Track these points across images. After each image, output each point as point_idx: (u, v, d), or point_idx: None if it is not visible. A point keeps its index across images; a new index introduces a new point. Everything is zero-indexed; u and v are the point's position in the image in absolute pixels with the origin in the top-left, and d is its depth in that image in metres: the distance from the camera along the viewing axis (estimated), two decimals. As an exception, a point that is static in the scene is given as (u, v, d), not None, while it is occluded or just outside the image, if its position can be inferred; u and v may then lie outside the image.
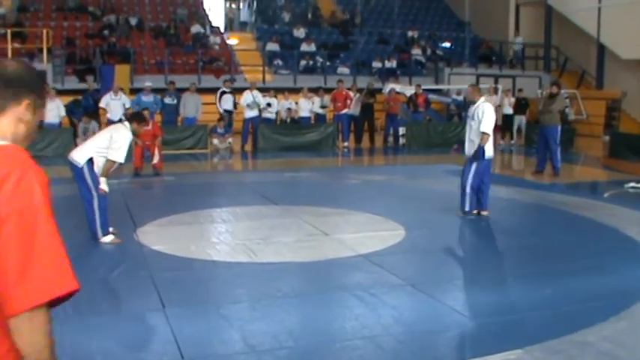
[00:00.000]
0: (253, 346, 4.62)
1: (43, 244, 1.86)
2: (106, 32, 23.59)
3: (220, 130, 18.24)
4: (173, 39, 24.15)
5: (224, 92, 19.05)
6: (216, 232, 8.67)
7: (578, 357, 4.45)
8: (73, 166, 7.52)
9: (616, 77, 24.86)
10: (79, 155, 7.54)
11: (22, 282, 1.80)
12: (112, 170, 7.72)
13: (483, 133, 8.97)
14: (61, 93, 18.41)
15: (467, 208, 9.16)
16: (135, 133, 7.99)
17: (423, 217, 9.29)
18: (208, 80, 22.03)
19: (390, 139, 20.14)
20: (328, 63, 24.69)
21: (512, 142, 20.84)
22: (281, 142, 18.14)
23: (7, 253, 1.80)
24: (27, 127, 2.08)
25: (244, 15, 30.65)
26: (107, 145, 7.56)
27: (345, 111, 19.46)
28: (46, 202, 1.90)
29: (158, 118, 17.90)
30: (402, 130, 19.78)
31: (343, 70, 24.48)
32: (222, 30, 27.61)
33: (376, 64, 24.92)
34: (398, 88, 21.76)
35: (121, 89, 18.16)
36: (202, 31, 25.09)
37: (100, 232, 7.62)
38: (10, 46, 20.56)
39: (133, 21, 24.89)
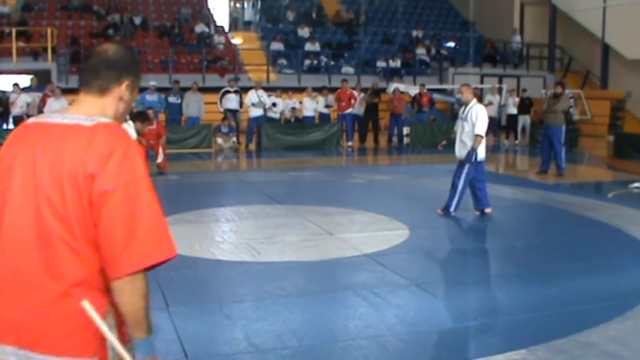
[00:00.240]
0: (257, 345, 4.61)
1: (146, 214, 2.05)
2: (110, 31, 23.61)
3: (224, 130, 18.26)
4: (177, 38, 24.17)
5: (227, 92, 19.07)
6: (220, 231, 8.67)
7: (583, 357, 4.44)
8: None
9: (620, 77, 24.83)
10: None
11: (127, 248, 2.01)
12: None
13: (477, 135, 8.95)
14: (65, 92, 18.43)
15: (452, 209, 9.15)
16: (139, 132, 8.00)
17: (427, 216, 9.28)
18: (212, 79, 22.05)
19: (394, 138, 20.14)
20: (332, 62, 24.69)
21: (517, 142, 20.80)
22: (285, 141, 18.14)
23: (114, 222, 2.01)
24: (126, 105, 2.29)
25: (248, 14, 30.66)
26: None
27: (349, 110, 19.45)
28: (146, 173, 2.10)
29: (162, 117, 17.92)
30: (406, 130, 19.78)
31: (347, 69, 24.48)
32: (226, 29, 27.62)
33: (380, 64, 24.91)
34: (402, 87, 21.76)
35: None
36: (207, 30, 25.10)
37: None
38: (14, 45, 20.59)
39: (138, 20, 24.91)
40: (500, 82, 24.37)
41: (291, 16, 28.00)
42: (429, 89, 21.53)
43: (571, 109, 19.49)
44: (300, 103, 19.71)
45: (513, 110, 21.03)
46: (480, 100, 21.59)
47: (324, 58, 24.73)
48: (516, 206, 10.62)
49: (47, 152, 2.11)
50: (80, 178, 2.04)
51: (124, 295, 2.04)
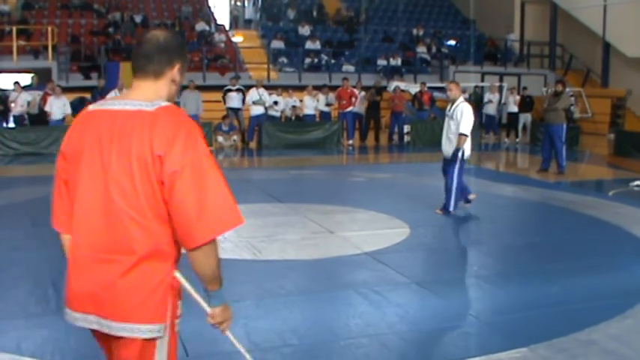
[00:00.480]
0: (257, 343, 4.61)
1: (212, 189, 2.26)
2: (110, 29, 23.61)
3: (225, 128, 18.25)
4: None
5: (229, 90, 19.07)
6: (220, 229, 8.65)
7: (583, 355, 4.44)
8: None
9: (621, 75, 24.81)
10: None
11: (199, 221, 2.23)
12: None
13: (461, 134, 8.94)
14: (66, 90, 18.44)
15: (451, 208, 9.15)
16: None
17: (427, 215, 9.28)
18: (213, 78, 22.04)
19: (395, 136, 20.13)
20: (333, 61, 24.67)
21: (518, 140, 20.80)
22: (286, 139, 18.13)
23: (186, 199, 2.22)
24: (177, 87, 2.51)
25: (249, 12, 30.64)
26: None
27: (349, 109, 19.44)
28: (208, 151, 2.31)
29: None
30: (406, 128, 19.77)
31: (348, 67, 24.47)
32: (227, 27, 27.58)
33: (381, 62, 24.90)
34: (403, 85, 21.76)
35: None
36: (207, 28, 25.08)
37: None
38: (15, 44, 20.59)
39: (138, 18, 24.89)
40: (501, 80, 24.36)
41: (291, 14, 27.99)
42: (429, 87, 21.52)
43: (572, 107, 19.49)
44: (301, 101, 19.70)
45: (514, 108, 21.01)
46: (481, 99, 21.72)
47: (324, 57, 24.71)
48: (517, 204, 10.61)
49: (113, 138, 2.30)
50: (149, 160, 2.24)
51: (202, 260, 2.31)
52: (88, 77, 20.86)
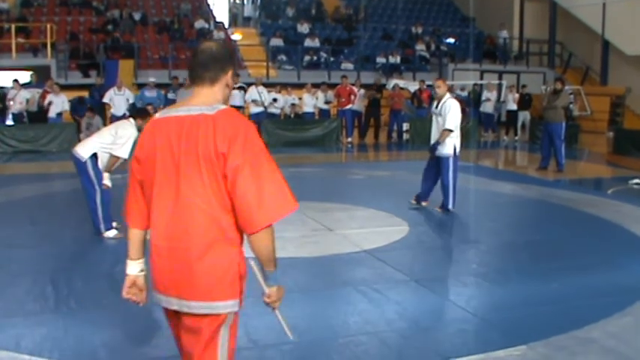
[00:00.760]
0: (256, 340, 4.61)
1: (269, 180, 2.58)
2: (109, 27, 23.58)
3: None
4: (177, 34, 24.13)
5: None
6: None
7: (582, 353, 4.44)
8: (77, 161, 7.52)
9: (620, 73, 24.82)
10: (82, 150, 7.54)
11: (259, 209, 2.55)
12: (116, 166, 7.71)
13: (445, 129, 8.97)
14: (64, 88, 18.41)
15: (450, 206, 9.16)
16: (140, 129, 7.97)
17: (426, 212, 9.28)
18: (212, 75, 22.00)
19: (394, 134, 20.13)
20: (332, 58, 24.66)
21: (516, 138, 20.80)
22: (285, 137, 18.11)
23: (247, 190, 2.54)
24: (229, 89, 2.82)
25: (248, 10, 30.61)
26: (112, 141, 7.54)
27: (348, 106, 19.43)
28: (264, 146, 2.64)
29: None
30: (405, 126, 19.76)
31: (347, 65, 24.46)
32: (226, 25, 27.57)
33: (380, 60, 24.88)
34: (402, 83, 21.75)
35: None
36: (206, 26, 25.07)
37: (102, 226, 7.62)
38: (13, 41, 20.56)
39: (137, 16, 24.87)
40: (500, 78, 24.35)
41: (290, 12, 27.97)
42: (428, 85, 21.50)
43: (571, 105, 19.49)
44: (300, 99, 19.68)
45: (513, 106, 21.01)
46: (479, 97, 21.71)
47: (323, 54, 24.70)
48: (516, 202, 10.61)
49: (181, 140, 2.63)
50: (213, 158, 2.56)
51: (261, 244, 2.62)
52: (86, 75, 20.83)
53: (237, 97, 18.94)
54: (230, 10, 31.35)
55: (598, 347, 4.53)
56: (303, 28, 26.12)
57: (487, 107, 21.40)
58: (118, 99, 17.24)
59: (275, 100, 18.70)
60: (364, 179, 12.67)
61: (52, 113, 17.09)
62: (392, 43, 26.75)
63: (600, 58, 25.69)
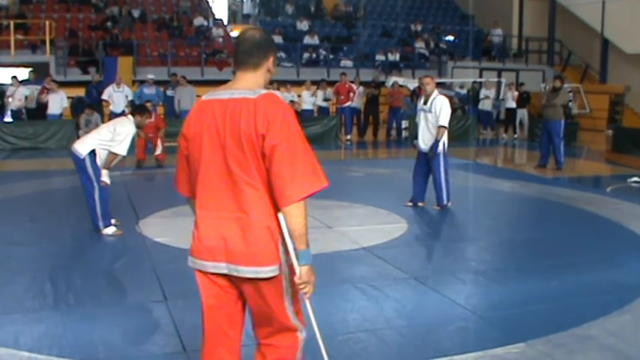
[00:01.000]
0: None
1: (302, 159, 2.82)
2: (108, 24, 23.55)
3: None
4: (176, 31, 24.10)
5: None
6: (218, 224, 8.64)
7: (581, 351, 4.44)
8: (75, 158, 7.51)
9: (619, 71, 24.81)
10: (81, 147, 7.53)
11: (292, 183, 2.78)
12: (115, 163, 7.71)
13: (441, 126, 8.98)
14: (63, 85, 18.39)
15: (445, 202, 9.17)
16: (138, 126, 7.96)
17: (425, 210, 9.28)
18: (211, 72, 22.01)
19: (393, 132, 20.12)
20: (331, 56, 24.63)
21: (515, 136, 20.80)
22: (284, 134, 18.06)
23: (282, 166, 2.78)
24: (270, 75, 3.07)
25: (247, 7, 30.57)
26: (110, 138, 7.54)
27: (347, 104, 19.43)
28: (299, 128, 2.90)
29: (161, 110, 17.86)
30: (404, 124, 19.76)
31: (346, 63, 24.44)
32: (225, 22, 27.54)
33: (379, 57, 24.85)
34: (401, 81, 21.74)
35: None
36: (205, 23, 25.03)
37: (101, 223, 7.62)
38: (12, 38, 20.53)
39: (136, 13, 24.83)
40: (500, 75, 24.33)
41: (289, 9, 27.93)
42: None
43: (570, 103, 19.48)
44: (299, 96, 19.67)
45: (512, 104, 21.00)
46: (478, 94, 21.71)
47: (322, 52, 24.67)
48: (515, 200, 10.61)
49: (226, 120, 2.88)
50: (254, 137, 2.81)
51: (292, 217, 2.82)
52: (85, 72, 20.80)
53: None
54: (229, 8, 31.33)
55: (597, 345, 4.53)
56: (303, 25, 26.08)
57: (486, 105, 21.40)
58: (116, 96, 17.20)
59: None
60: (363, 177, 12.67)
61: (50, 111, 17.07)
62: (391, 40, 26.73)
63: (599, 56, 25.68)
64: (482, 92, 21.57)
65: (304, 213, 2.84)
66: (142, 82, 18.48)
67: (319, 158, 2.93)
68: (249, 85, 2.97)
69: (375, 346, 4.54)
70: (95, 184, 7.51)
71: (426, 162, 9.22)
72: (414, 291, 5.81)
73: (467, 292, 5.77)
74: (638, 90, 23.52)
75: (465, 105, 22.29)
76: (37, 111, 17.48)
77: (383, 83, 21.79)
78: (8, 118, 18.04)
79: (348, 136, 19.28)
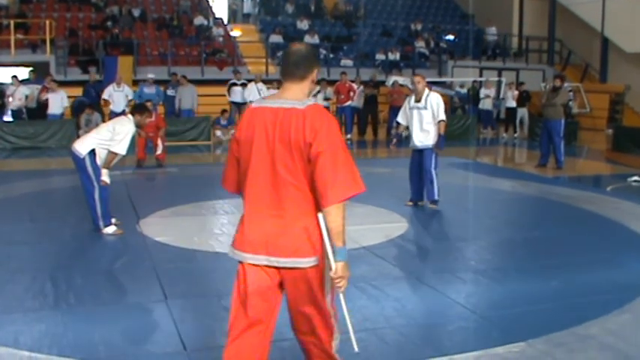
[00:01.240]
0: (256, 337, 4.61)
1: (342, 165, 3.11)
2: (109, 23, 23.55)
3: (223, 122, 18.23)
4: (176, 30, 24.10)
5: (234, 84, 19.03)
6: (218, 223, 8.67)
7: (581, 350, 4.44)
8: (75, 157, 7.51)
9: (620, 71, 24.81)
10: (81, 146, 7.52)
11: (333, 187, 3.08)
12: (115, 162, 7.71)
13: (442, 121, 9.08)
14: (63, 84, 18.40)
15: (436, 197, 9.18)
16: (138, 125, 7.96)
17: (425, 209, 9.28)
18: (211, 72, 22.02)
19: (393, 131, 20.09)
20: (331, 55, 24.62)
21: (516, 135, 20.79)
22: (284, 133, 18.06)
23: (325, 171, 3.06)
24: (313, 85, 3.36)
25: (247, 7, 30.55)
26: (110, 138, 7.54)
27: (348, 103, 19.43)
28: (341, 138, 3.19)
29: (161, 109, 17.87)
30: (405, 123, 19.71)
31: (346, 62, 24.42)
32: (225, 22, 27.52)
33: (379, 57, 24.84)
34: (401, 80, 21.71)
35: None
36: (205, 22, 25.02)
37: (101, 223, 7.62)
38: (13, 37, 20.53)
39: (136, 12, 24.83)
40: (500, 75, 24.32)
41: (290, 8, 27.91)
42: (427, 82, 21.47)
43: (570, 103, 19.47)
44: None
45: (512, 103, 21.00)
46: (478, 94, 21.70)
47: (323, 51, 24.64)
48: (515, 199, 10.61)
49: (276, 127, 3.15)
50: (302, 144, 3.09)
51: (332, 216, 3.15)
52: (86, 71, 20.79)
53: (237, 94, 18.95)
54: (229, 7, 31.30)
55: (597, 344, 4.53)
56: (303, 24, 26.08)
57: (486, 104, 21.39)
58: (117, 95, 17.20)
59: (274, 96, 18.66)
60: (363, 176, 12.54)
61: (51, 110, 17.07)
62: (391, 39, 26.71)
63: (600, 55, 25.66)
64: (483, 91, 21.56)
65: (343, 214, 3.17)
66: (143, 82, 18.48)
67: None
68: (296, 95, 3.25)
69: (376, 345, 4.53)
70: (95, 183, 7.51)
71: (420, 160, 9.26)
72: (414, 290, 5.81)
73: (467, 292, 5.77)
74: (639, 89, 23.51)
75: (465, 104, 22.29)
76: (38, 110, 17.49)
77: (382, 82, 21.77)
78: (8, 118, 18.05)
79: (349, 136, 19.27)
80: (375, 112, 20.17)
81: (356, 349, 3.42)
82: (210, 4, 28.33)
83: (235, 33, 26.04)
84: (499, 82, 23.05)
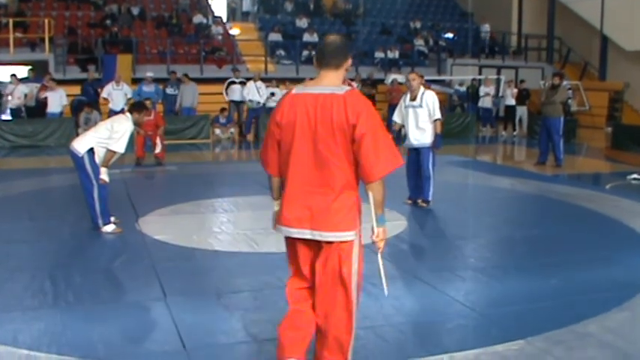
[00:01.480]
0: (255, 335, 4.62)
1: (383, 143, 3.46)
2: (108, 22, 23.52)
3: (222, 121, 18.23)
4: (175, 29, 24.08)
5: (232, 82, 19.03)
6: (217, 221, 8.67)
7: (580, 347, 4.44)
8: (74, 156, 7.51)
9: (619, 68, 24.80)
10: (79, 145, 7.52)
11: (376, 164, 3.43)
12: (113, 160, 7.70)
13: (438, 119, 9.07)
14: (62, 83, 18.38)
15: (429, 198, 9.19)
16: (137, 123, 7.96)
17: (424, 207, 9.27)
18: (210, 70, 21.99)
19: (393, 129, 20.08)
20: (331, 53, 24.55)
21: (515, 133, 20.79)
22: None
23: (368, 150, 3.40)
24: (347, 72, 3.68)
25: (246, 5, 30.52)
26: (108, 136, 7.53)
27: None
28: (380, 121, 3.52)
29: (160, 107, 17.86)
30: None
31: (345, 60, 24.37)
32: (224, 20, 27.48)
33: (379, 55, 24.83)
34: (400, 78, 21.71)
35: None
36: (204, 21, 25.00)
37: (100, 221, 7.61)
38: (12, 36, 20.51)
39: (135, 11, 24.81)
40: (499, 73, 24.32)
41: (289, 6, 27.89)
42: (427, 80, 21.47)
43: (569, 101, 19.47)
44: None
45: (511, 101, 21.00)
46: (477, 92, 21.70)
47: (322, 50, 24.61)
48: (514, 197, 10.62)
49: (317, 110, 3.46)
50: (345, 126, 3.41)
51: (376, 189, 3.51)
52: (85, 70, 20.77)
53: (236, 92, 18.94)
54: (228, 5, 31.27)
55: (596, 342, 4.53)
56: (302, 22, 26.07)
57: (485, 102, 21.39)
58: (116, 94, 17.20)
59: (273, 94, 18.68)
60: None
61: (50, 109, 17.06)
62: (390, 38, 26.69)
63: (599, 53, 25.66)
64: (482, 90, 21.55)
65: (384, 187, 3.53)
66: (142, 80, 18.47)
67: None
68: (333, 82, 3.56)
69: (375, 343, 4.54)
70: (94, 182, 7.51)
71: (417, 158, 9.25)
72: (413, 288, 5.80)
73: (466, 289, 5.77)
74: (638, 87, 23.52)
75: (464, 102, 22.28)
76: (37, 109, 17.47)
77: (380, 81, 21.74)
78: (7, 116, 18.04)
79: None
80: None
81: (386, 292, 3.88)
82: (210, 2, 28.28)
83: (234, 31, 26.02)
84: (498, 80, 23.04)
